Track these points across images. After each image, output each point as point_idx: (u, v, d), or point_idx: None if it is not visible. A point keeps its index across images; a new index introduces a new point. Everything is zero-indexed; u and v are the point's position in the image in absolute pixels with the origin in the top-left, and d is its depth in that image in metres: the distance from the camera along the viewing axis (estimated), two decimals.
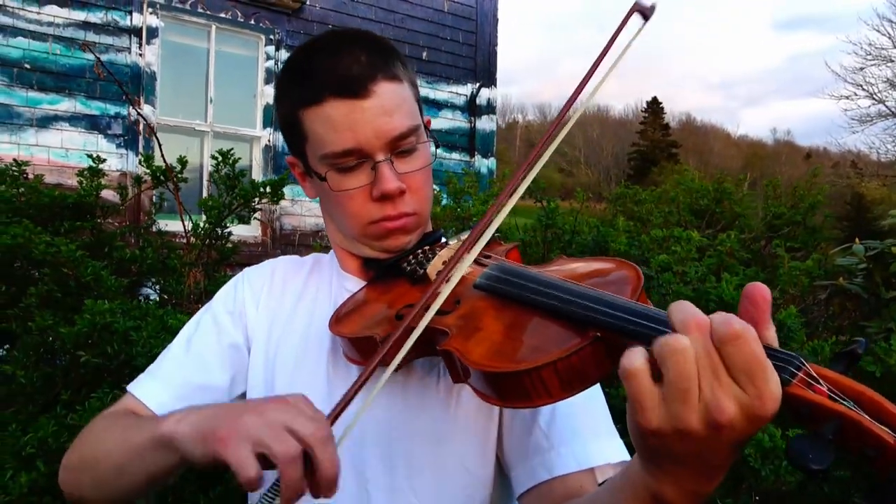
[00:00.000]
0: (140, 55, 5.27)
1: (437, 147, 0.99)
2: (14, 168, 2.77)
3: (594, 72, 0.77)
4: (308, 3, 5.95)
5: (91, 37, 5.09)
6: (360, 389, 0.70)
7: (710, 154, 50.55)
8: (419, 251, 0.94)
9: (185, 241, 3.03)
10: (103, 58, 5.10)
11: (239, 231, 5.37)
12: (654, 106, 49.42)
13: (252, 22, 5.73)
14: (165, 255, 2.96)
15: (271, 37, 5.81)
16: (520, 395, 0.64)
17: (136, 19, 5.26)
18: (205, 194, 5.07)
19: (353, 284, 0.99)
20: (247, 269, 1.10)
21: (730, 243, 3.01)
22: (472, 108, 6.92)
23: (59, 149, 4.94)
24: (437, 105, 6.71)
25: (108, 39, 5.17)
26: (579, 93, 0.76)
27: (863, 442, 0.47)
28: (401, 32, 6.50)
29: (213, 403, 0.81)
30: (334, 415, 0.69)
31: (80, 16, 5.06)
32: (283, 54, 5.89)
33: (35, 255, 2.18)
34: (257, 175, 5.73)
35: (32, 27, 4.88)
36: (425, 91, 6.62)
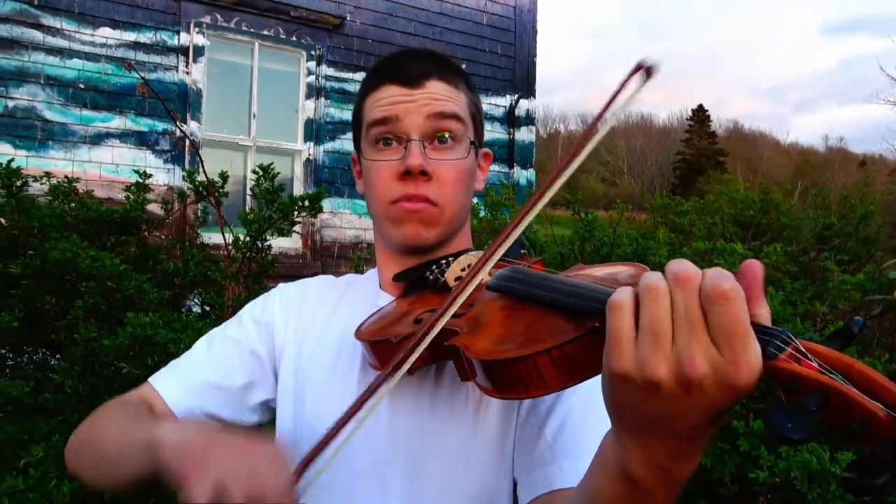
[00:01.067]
0: (187, 73, 5.44)
1: (476, 156, 1.00)
2: (65, 184, 2.88)
3: (593, 127, 0.78)
4: (348, 19, 6.05)
5: (141, 56, 5.28)
6: (371, 397, 0.71)
7: (758, 162, 49.30)
8: (443, 261, 0.95)
9: (226, 254, 3.10)
10: (152, 76, 5.28)
11: (279, 243, 5.46)
12: (700, 113, 48.49)
13: (294, 38, 5.86)
14: (207, 268, 3.03)
15: (312, 52, 5.92)
16: (516, 385, 0.64)
17: (184, 39, 5.44)
18: (248, 207, 5.18)
19: (386, 301, 1.00)
20: (281, 285, 1.11)
21: (776, 256, 2.91)
22: (510, 120, 6.91)
23: (110, 164, 5.13)
24: None
25: (156, 59, 5.35)
26: (580, 145, 0.77)
27: (850, 415, 0.46)
28: (440, 45, 6.54)
29: (213, 425, 0.82)
30: (308, 458, 0.70)
31: (130, 36, 5.26)
32: (324, 69, 5.99)
33: (82, 269, 2.25)
34: (298, 188, 5.82)
35: (87, 48, 5.10)
36: None
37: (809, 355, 0.48)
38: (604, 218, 3.68)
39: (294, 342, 1.01)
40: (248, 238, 3.12)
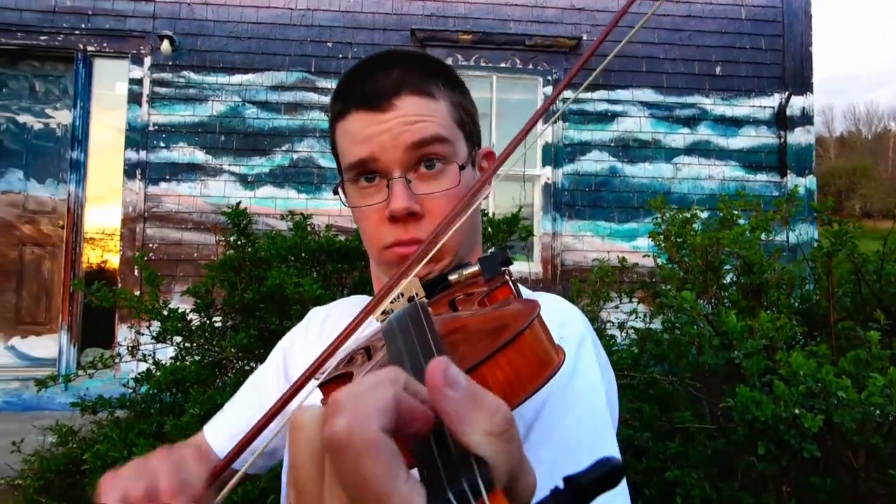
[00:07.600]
0: None
1: (473, 165, 0.89)
2: (302, 219, 3.32)
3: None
4: (584, 38, 5.94)
5: None
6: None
7: None
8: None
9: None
10: None
11: (518, 268, 5.52)
12: None
13: (530, 66, 5.94)
14: None
15: (549, 77, 5.93)
16: None
17: None
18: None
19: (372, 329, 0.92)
20: (315, 308, 1.09)
21: None
22: (780, 121, 6.01)
23: None
24: (736, 122, 6.00)
25: None
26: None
27: None
28: (688, 51, 6.02)
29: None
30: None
31: None
32: (562, 93, 5.95)
33: (288, 293, 2.55)
34: (538, 213, 5.84)
35: None
36: (721, 108, 5.98)
37: None
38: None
39: (302, 367, 0.99)
40: None
